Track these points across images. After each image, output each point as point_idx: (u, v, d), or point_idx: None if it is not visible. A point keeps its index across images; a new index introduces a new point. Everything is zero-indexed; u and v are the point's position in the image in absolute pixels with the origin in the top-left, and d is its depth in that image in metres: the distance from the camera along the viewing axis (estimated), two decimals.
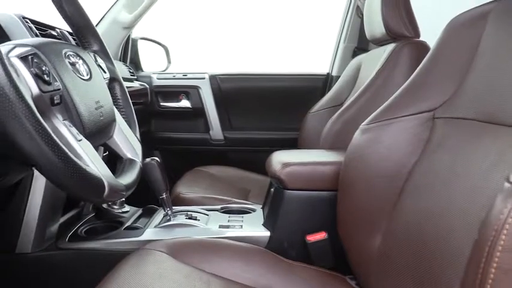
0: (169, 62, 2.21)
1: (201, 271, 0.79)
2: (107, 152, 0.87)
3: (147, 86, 1.98)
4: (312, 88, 2.03)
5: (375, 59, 1.39)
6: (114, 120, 0.78)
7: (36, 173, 0.96)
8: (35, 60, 0.57)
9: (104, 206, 1.17)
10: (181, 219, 1.10)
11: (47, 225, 1.01)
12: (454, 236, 0.57)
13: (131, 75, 1.88)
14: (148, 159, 1.05)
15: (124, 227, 1.09)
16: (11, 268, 0.98)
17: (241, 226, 1.08)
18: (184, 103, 2.06)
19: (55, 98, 0.59)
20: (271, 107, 2.04)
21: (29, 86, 0.55)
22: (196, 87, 2.03)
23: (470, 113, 0.68)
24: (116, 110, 0.81)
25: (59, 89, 0.60)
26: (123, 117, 0.85)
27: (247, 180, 1.74)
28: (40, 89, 0.56)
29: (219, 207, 1.24)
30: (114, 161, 0.81)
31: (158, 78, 2.06)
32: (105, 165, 0.62)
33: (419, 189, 0.71)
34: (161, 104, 2.06)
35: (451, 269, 0.56)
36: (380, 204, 0.79)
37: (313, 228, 1.01)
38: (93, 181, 0.56)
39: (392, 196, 0.77)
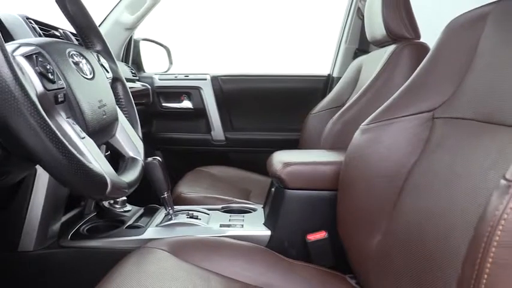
0: (171, 62, 2.22)
1: (201, 269, 0.80)
2: (109, 152, 0.88)
3: (149, 87, 1.99)
4: (313, 89, 2.04)
5: (376, 60, 1.40)
6: (116, 119, 0.78)
7: (38, 172, 0.97)
8: (39, 59, 0.58)
9: (106, 205, 1.18)
10: (182, 218, 1.10)
11: (49, 224, 1.01)
12: (454, 235, 0.58)
13: (133, 75, 1.89)
14: (150, 159, 1.05)
15: (126, 226, 1.10)
16: (13, 266, 0.99)
17: (242, 225, 1.09)
18: (186, 104, 2.07)
19: (59, 96, 0.60)
20: (272, 108, 2.05)
21: (33, 84, 0.56)
22: (197, 88, 2.04)
23: (469, 113, 0.69)
24: (118, 109, 0.82)
25: (62, 88, 0.61)
26: (126, 117, 0.86)
27: (249, 180, 1.74)
28: (44, 87, 0.57)
29: (220, 206, 1.25)
30: (117, 159, 0.81)
31: (160, 79, 2.07)
32: (107, 162, 0.63)
33: (418, 189, 0.72)
34: (163, 104, 2.07)
35: (450, 268, 0.56)
36: (380, 203, 0.79)
37: (314, 227, 1.02)
38: (96, 178, 0.56)
39: (392, 196, 0.77)
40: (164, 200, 1.11)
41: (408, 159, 0.77)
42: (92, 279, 0.73)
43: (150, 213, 1.20)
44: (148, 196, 1.22)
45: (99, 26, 1.67)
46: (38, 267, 1.00)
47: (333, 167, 1.01)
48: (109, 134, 0.77)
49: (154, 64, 2.19)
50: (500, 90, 0.63)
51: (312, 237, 1.00)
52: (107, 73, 0.82)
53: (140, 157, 0.81)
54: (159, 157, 1.08)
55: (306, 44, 3.17)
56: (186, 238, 0.91)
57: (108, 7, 1.83)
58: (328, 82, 2.05)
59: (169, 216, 1.11)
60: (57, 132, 0.50)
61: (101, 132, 0.70)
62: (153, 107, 2.05)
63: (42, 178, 0.97)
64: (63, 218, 1.09)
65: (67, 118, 0.60)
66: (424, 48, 1.27)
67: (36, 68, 0.57)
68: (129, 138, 0.81)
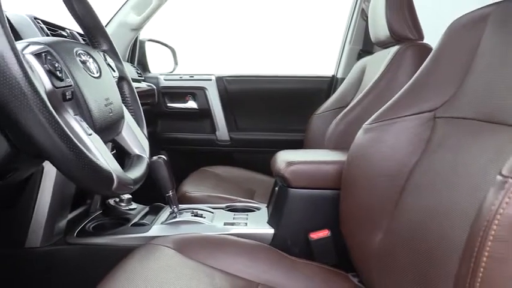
0: (176, 63, 2.24)
1: (206, 266, 0.81)
2: (115, 151, 0.89)
3: (155, 87, 2.00)
4: (317, 90, 2.05)
5: (379, 61, 1.40)
6: (122, 117, 0.80)
7: (45, 169, 0.98)
8: (48, 57, 0.60)
9: (111, 203, 1.19)
10: (187, 216, 1.12)
11: (56, 221, 1.03)
12: (455, 233, 0.58)
13: (139, 76, 1.90)
14: (155, 157, 1.07)
15: (131, 224, 1.11)
16: (20, 262, 1.01)
17: (246, 224, 1.10)
18: (191, 104, 2.08)
19: (67, 93, 0.61)
20: (276, 109, 2.05)
21: (42, 81, 0.57)
22: (202, 89, 2.05)
23: (470, 113, 0.69)
24: (124, 108, 0.83)
25: (70, 85, 0.62)
26: (131, 115, 0.88)
27: (253, 180, 1.75)
28: (53, 85, 0.58)
29: (224, 205, 1.26)
30: (123, 157, 0.83)
31: (165, 80, 2.08)
32: (114, 159, 0.64)
33: (420, 188, 0.72)
34: (168, 104, 2.09)
35: (452, 265, 0.57)
36: (382, 202, 0.80)
37: (316, 226, 1.03)
38: (103, 174, 0.58)
39: (393, 195, 0.78)
40: (169, 199, 1.12)
41: (410, 159, 0.78)
42: (97, 275, 0.74)
43: (155, 211, 1.21)
44: (153, 195, 1.23)
45: (105, 26, 1.69)
46: (45, 263, 1.01)
47: (336, 166, 1.02)
48: (115, 131, 0.78)
49: (159, 65, 2.20)
50: (500, 90, 0.64)
51: (314, 235, 1.01)
52: (113, 72, 0.83)
53: (146, 155, 0.83)
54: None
55: (311, 45, 3.17)
56: (191, 235, 0.92)
57: (114, 8, 1.84)
58: (332, 83, 2.06)
59: (174, 215, 1.13)
60: (65, 128, 0.52)
61: (107, 129, 0.71)
62: (159, 107, 2.06)
63: (49, 176, 0.98)
64: (70, 216, 1.11)
65: (74, 115, 0.62)
66: (427, 49, 1.27)
67: (45, 66, 0.58)
68: (134, 136, 0.82)
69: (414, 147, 0.78)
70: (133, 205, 1.22)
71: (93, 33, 0.84)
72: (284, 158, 1.09)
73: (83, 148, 0.54)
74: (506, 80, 0.64)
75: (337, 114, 1.43)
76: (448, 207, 0.62)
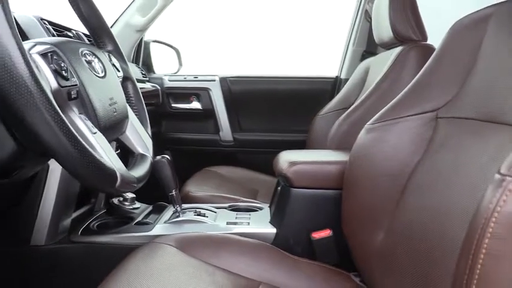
0: (180, 64, 2.25)
1: (208, 264, 0.82)
2: (119, 150, 0.90)
3: (159, 88, 2.02)
4: (320, 91, 2.05)
5: (383, 62, 1.41)
6: (126, 116, 0.81)
7: (51, 168, 0.99)
8: (54, 57, 0.61)
9: (115, 202, 1.20)
10: (190, 215, 1.12)
11: (61, 219, 1.04)
12: (455, 232, 0.58)
13: (143, 76, 1.91)
14: (158, 157, 1.08)
15: (134, 223, 1.12)
16: (25, 259, 1.02)
17: (248, 223, 1.10)
18: (195, 105, 2.09)
19: (72, 92, 0.62)
20: (280, 109, 2.06)
21: (48, 80, 0.58)
22: (206, 89, 2.06)
23: (471, 113, 0.70)
24: (128, 107, 0.84)
25: (75, 85, 0.63)
26: (135, 115, 0.89)
27: (256, 180, 1.76)
28: (59, 84, 0.59)
29: (227, 205, 1.27)
30: (126, 156, 0.83)
31: (170, 80, 2.09)
32: (117, 157, 0.65)
33: (421, 188, 0.73)
34: (172, 105, 2.10)
35: (452, 265, 0.57)
36: (383, 202, 0.80)
37: (318, 225, 1.03)
38: (107, 172, 0.58)
39: (395, 194, 0.78)
40: (172, 198, 1.12)
41: (412, 159, 0.78)
42: (101, 273, 0.75)
43: (158, 210, 1.22)
44: (156, 194, 1.24)
45: (110, 27, 1.71)
46: (49, 261, 1.02)
47: (338, 166, 1.02)
48: (119, 130, 0.79)
49: (164, 65, 2.22)
50: (501, 90, 0.64)
51: (316, 235, 1.02)
52: (118, 72, 0.84)
53: (149, 154, 0.83)
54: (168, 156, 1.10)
55: (315, 46, 3.17)
56: (193, 234, 0.93)
57: (119, 9, 1.86)
58: (336, 84, 2.06)
59: (177, 214, 1.13)
60: (70, 126, 0.52)
61: (111, 128, 0.72)
62: (163, 108, 2.07)
63: (54, 175, 1.00)
64: (74, 214, 1.12)
65: (79, 114, 0.63)
66: (430, 50, 1.28)
67: (51, 65, 0.59)
68: (138, 136, 0.83)
69: (416, 147, 0.79)
70: (137, 204, 1.23)
71: (99, 34, 0.85)
72: (286, 158, 1.10)
73: (87, 146, 0.55)
74: (508, 80, 0.64)
75: (340, 115, 1.43)
76: (448, 206, 0.62)
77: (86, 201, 1.21)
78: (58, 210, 1.01)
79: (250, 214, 1.18)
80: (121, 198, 1.20)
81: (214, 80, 2.06)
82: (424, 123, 0.79)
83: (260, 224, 1.11)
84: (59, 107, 0.52)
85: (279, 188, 1.13)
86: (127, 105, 0.83)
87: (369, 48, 2.00)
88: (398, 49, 1.33)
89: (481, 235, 0.39)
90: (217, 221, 1.12)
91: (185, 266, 0.78)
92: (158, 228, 1.08)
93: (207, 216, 1.13)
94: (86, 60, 0.70)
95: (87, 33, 0.88)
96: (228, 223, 1.10)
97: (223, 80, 2.05)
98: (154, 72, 2.17)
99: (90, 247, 1.04)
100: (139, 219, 1.14)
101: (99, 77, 0.72)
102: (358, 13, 2.01)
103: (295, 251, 0.98)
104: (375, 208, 0.82)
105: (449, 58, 0.80)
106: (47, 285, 1.03)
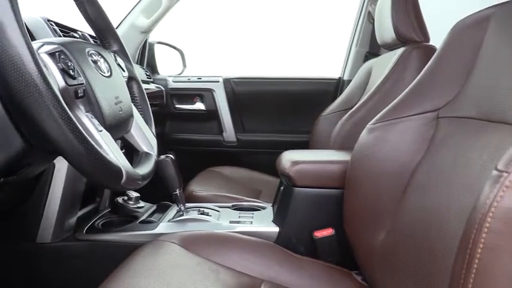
0: (184, 65, 2.26)
1: (211, 262, 0.82)
2: (124, 150, 0.91)
3: (163, 89, 2.03)
4: (323, 92, 2.06)
5: (385, 62, 1.41)
6: (131, 115, 0.82)
7: (56, 167, 1.01)
8: (61, 56, 0.62)
9: (120, 201, 1.22)
10: (193, 214, 1.13)
11: (66, 218, 1.05)
12: (455, 230, 0.59)
13: (148, 77, 1.93)
14: (163, 156, 1.09)
15: (139, 221, 1.13)
16: (31, 257, 1.03)
17: (251, 222, 1.11)
18: (199, 105, 2.11)
19: (79, 91, 0.63)
20: (283, 110, 2.07)
21: (56, 79, 0.60)
22: (210, 90, 2.07)
23: (472, 112, 0.70)
24: (133, 107, 0.85)
25: (82, 84, 0.65)
26: (140, 114, 0.90)
27: (259, 181, 1.77)
28: (66, 83, 0.60)
29: (230, 204, 1.28)
30: (131, 155, 0.85)
31: (174, 81, 2.11)
32: (123, 155, 0.66)
33: (423, 187, 0.73)
34: (176, 106, 2.11)
35: (452, 263, 0.58)
36: (385, 201, 0.80)
37: (321, 224, 1.04)
38: (113, 168, 0.60)
39: (396, 194, 0.79)
40: (176, 197, 1.14)
41: (413, 158, 0.79)
42: (105, 270, 0.76)
43: (162, 209, 1.23)
44: (161, 194, 1.26)
45: (115, 28, 1.73)
46: (55, 258, 1.03)
47: (340, 166, 1.03)
48: (124, 129, 0.80)
49: (168, 67, 2.23)
50: (502, 90, 0.65)
51: (319, 234, 1.02)
52: (123, 72, 0.85)
53: (154, 152, 0.85)
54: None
55: (318, 47, 3.18)
56: (197, 232, 0.94)
57: (124, 11, 1.88)
58: (338, 85, 2.07)
59: (181, 213, 1.14)
60: (77, 124, 0.54)
61: (117, 127, 0.73)
62: (167, 109, 2.09)
63: (60, 174, 1.01)
64: (79, 213, 1.13)
65: (86, 112, 0.64)
66: (432, 51, 1.28)
67: (59, 64, 0.61)
68: (143, 134, 0.85)
69: (418, 147, 0.79)
70: (141, 203, 1.24)
71: (104, 35, 0.87)
72: (289, 157, 1.10)
73: (93, 143, 0.56)
74: (508, 79, 0.65)
75: (343, 115, 1.44)
76: (449, 205, 0.62)
77: (91, 200, 1.23)
78: (64, 208, 1.03)
79: (253, 213, 1.19)
80: (125, 197, 1.22)
81: (217, 81, 2.07)
82: (425, 122, 0.80)
83: (263, 222, 1.11)
84: (66, 105, 0.54)
85: (282, 187, 1.14)
86: (132, 104, 0.84)
87: (372, 49, 2.01)
88: (400, 50, 1.34)
89: (479, 230, 0.39)
90: (221, 220, 1.13)
91: (189, 263, 0.79)
92: (162, 227, 1.09)
93: (211, 215, 1.14)
94: (92, 60, 0.71)
95: (92, 34, 0.89)
96: (231, 222, 1.11)
97: (227, 81, 2.07)
98: (158, 74, 2.18)
99: (95, 245, 1.06)
100: (143, 217, 1.15)
101: (105, 76, 0.73)
102: (361, 14, 2.01)
103: (297, 249, 0.99)
104: (377, 207, 0.82)
105: (450, 58, 0.80)
106: (53, 282, 1.05)
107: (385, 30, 1.41)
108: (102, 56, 0.76)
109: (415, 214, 0.71)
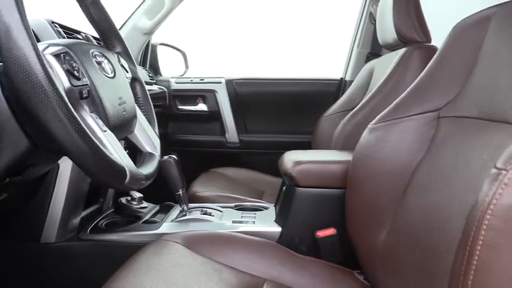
0: (187, 67, 2.27)
1: (214, 262, 0.83)
2: (127, 150, 0.92)
3: (166, 90, 2.04)
4: (325, 92, 2.06)
5: (387, 63, 1.42)
6: (135, 116, 0.83)
7: (61, 168, 1.01)
8: (66, 57, 0.63)
9: (123, 201, 1.22)
10: (196, 214, 1.14)
11: (70, 218, 1.06)
12: (457, 230, 0.59)
13: (150, 79, 1.94)
14: (166, 157, 1.10)
15: (142, 221, 1.14)
16: (35, 256, 1.04)
17: (254, 222, 1.12)
18: (201, 107, 2.11)
19: (83, 92, 0.64)
20: (285, 111, 2.07)
21: (61, 80, 0.60)
22: (212, 91, 2.08)
23: (473, 112, 0.71)
24: (137, 107, 0.86)
25: (87, 84, 0.66)
26: (143, 115, 0.91)
27: (262, 181, 1.77)
28: (71, 83, 0.61)
29: (232, 204, 1.28)
30: (135, 155, 0.85)
31: (176, 82, 2.12)
32: (127, 155, 0.67)
33: (423, 187, 0.73)
34: (179, 107, 2.12)
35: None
36: (386, 201, 0.81)
37: (323, 224, 1.04)
38: (117, 168, 0.60)
39: (398, 193, 0.79)
40: (179, 197, 1.14)
41: (414, 158, 0.79)
42: (109, 270, 0.77)
43: (165, 210, 1.24)
44: (164, 194, 1.26)
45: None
46: (59, 258, 1.04)
47: (342, 166, 1.03)
48: (128, 130, 0.81)
49: (170, 68, 2.24)
50: (503, 89, 0.65)
51: (321, 233, 1.03)
52: (126, 73, 0.86)
53: (157, 152, 0.85)
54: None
55: (319, 48, 3.19)
56: (200, 232, 0.94)
57: (127, 12, 1.89)
58: (340, 85, 2.08)
59: (184, 213, 1.15)
60: (82, 124, 0.54)
61: (120, 127, 0.74)
62: (170, 110, 2.09)
63: (64, 175, 1.02)
64: (83, 213, 1.14)
65: (90, 113, 0.65)
66: (433, 51, 1.28)
67: (64, 65, 0.62)
68: (146, 135, 0.85)
69: (419, 146, 0.79)
70: (145, 204, 1.25)
71: (108, 36, 0.87)
72: (291, 157, 1.11)
73: (98, 143, 0.57)
74: (509, 79, 0.65)
75: (345, 116, 1.44)
76: (450, 204, 0.63)
77: (95, 201, 1.24)
78: (68, 209, 1.03)
79: (255, 213, 1.19)
80: (129, 198, 1.22)
81: (220, 82, 2.08)
82: (426, 122, 0.80)
83: (265, 222, 1.12)
84: (71, 105, 0.54)
85: (284, 187, 1.14)
86: (135, 105, 0.85)
87: (374, 49, 2.01)
88: (402, 50, 1.34)
89: (478, 227, 0.40)
90: (223, 220, 1.13)
91: (192, 263, 0.80)
92: (165, 227, 1.09)
93: (213, 215, 1.14)
94: (96, 61, 0.72)
95: (95, 35, 0.90)
96: (233, 222, 1.12)
97: (229, 82, 2.07)
98: (161, 75, 2.19)
99: (99, 245, 1.06)
100: (146, 218, 1.16)
101: (108, 77, 0.74)
102: (363, 15, 2.02)
103: (299, 249, 1.00)
104: (378, 207, 0.83)
105: (450, 58, 0.81)
106: (57, 282, 1.05)
107: (387, 31, 1.41)
108: (106, 57, 0.77)
109: (416, 214, 0.72)
